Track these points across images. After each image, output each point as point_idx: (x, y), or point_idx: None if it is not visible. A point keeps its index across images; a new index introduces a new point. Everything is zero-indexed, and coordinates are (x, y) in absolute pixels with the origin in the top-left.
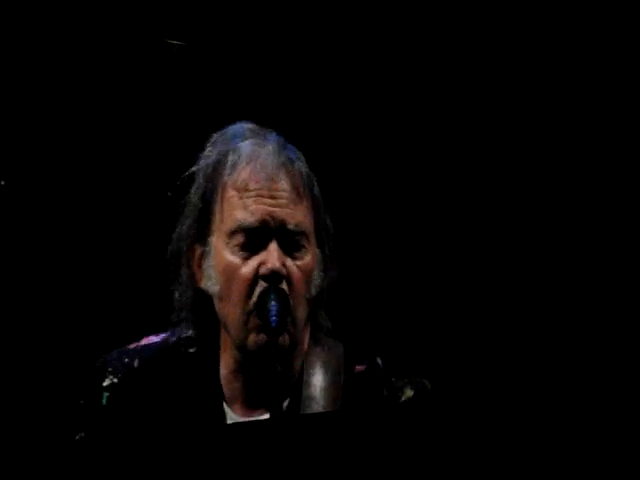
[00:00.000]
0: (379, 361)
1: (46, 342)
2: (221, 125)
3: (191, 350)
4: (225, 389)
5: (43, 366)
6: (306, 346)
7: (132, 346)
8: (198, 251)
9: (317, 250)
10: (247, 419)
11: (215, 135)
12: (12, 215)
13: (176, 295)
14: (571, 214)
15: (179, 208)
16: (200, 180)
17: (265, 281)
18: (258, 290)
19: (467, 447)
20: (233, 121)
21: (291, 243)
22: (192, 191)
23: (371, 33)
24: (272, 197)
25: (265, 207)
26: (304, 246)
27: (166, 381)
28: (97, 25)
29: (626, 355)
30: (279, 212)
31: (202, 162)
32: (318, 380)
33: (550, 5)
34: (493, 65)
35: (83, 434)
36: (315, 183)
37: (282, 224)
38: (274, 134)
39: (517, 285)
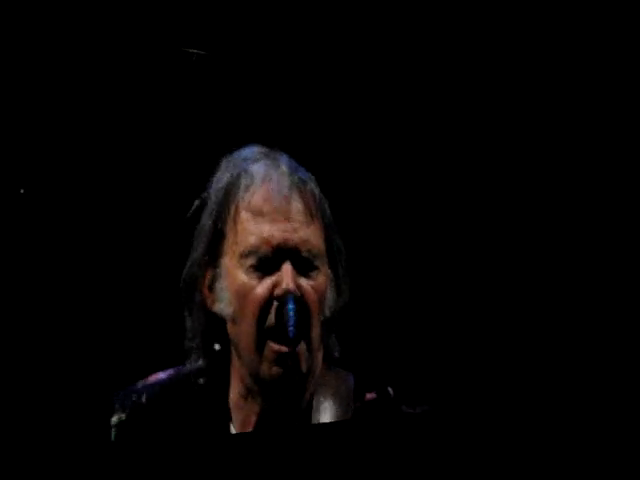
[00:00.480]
0: (390, 390)
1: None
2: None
3: (200, 381)
4: (234, 415)
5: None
6: (318, 372)
7: (139, 384)
8: (209, 275)
9: (329, 271)
10: None
11: (225, 158)
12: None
13: (188, 322)
14: (571, 215)
15: (192, 234)
16: (212, 204)
17: (279, 302)
18: (273, 312)
19: (472, 463)
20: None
21: (305, 264)
22: (204, 215)
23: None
24: (286, 220)
25: (280, 233)
26: (317, 267)
27: (174, 413)
28: (115, 34)
29: (626, 355)
30: (293, 238)
31: (214, 185)
32: (328, 409)
33: (550, 5)
34: (492, 65)
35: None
36: (326, 204)
37: (296, 249)
38: (285, 156)
39: (528, 313)
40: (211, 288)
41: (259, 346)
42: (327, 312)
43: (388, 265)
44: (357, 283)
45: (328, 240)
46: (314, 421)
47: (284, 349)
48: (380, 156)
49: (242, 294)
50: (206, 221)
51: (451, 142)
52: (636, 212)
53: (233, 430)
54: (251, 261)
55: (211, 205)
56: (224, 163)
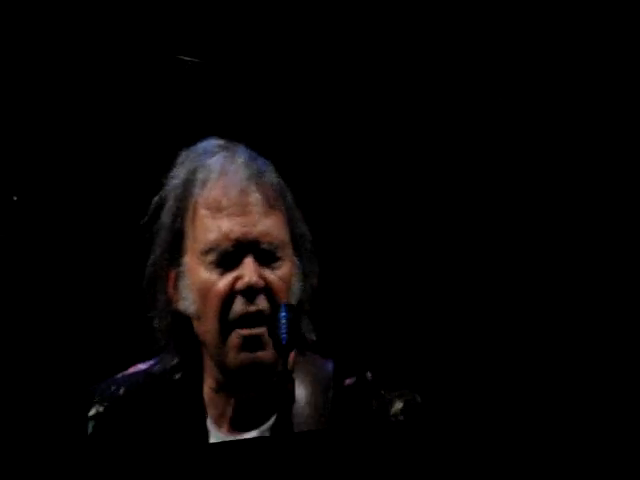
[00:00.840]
0: (369, 374)
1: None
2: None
3: (176, 376)
4: (209, 409)
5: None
6: (291, 360)
7: (119, 375)
8: (173, 273)
9: (295, 259)
10: (233, 437)
11: (183, 153)
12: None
13: (155, 321)
14: (570, 215)
15: (152, 234)
16: (170, 201)
17: (242, 295)
18: (236, 306)
19: (457, 460)
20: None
21: (267, 256)
22: (163, 214)
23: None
24: (244, 214)
25: (239, 227)
26: (280, 257)
27: (151, 408)
28: (111, 42)
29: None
30: (252, 231)
31: (171, 182)
32: (306, 396)
33: (550, 5)
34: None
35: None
36: (288, 192)
37: (256, 242)
38: (243, 147)
39: (509, 294)
40: (176, 287)
41: (224, 338)
42: (294, 299)
43: (365, 250)
44: (336, 268)
45: (291, 228)
46: (293, 411)
47: (247, 332)
48: (351, 142)
49: (204, 291)
50: (165, 219)
51: (433, 121)
52: (636, 212)
53: (210, 424)
54: (212, 257)
55: (169, 203)
56: (181, 157)
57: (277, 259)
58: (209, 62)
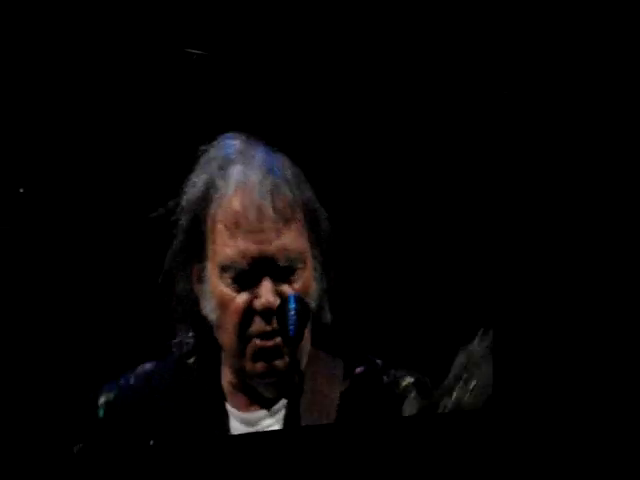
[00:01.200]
0: (379, 362)
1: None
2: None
3: (190, 360)
4: (228, 395)
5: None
6: (307, 350)
7: (127, 373)
8: (196, 269)
9: (313, 261)
10: (250, 414)
11: (202, 154)
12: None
13: (173, 308)
14: (572, 215)
15: (170, 231)
16: (190, 204)
17: (259, 315)
18: (255, 324)
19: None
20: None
21: (284, 272)
22: (182, 215)
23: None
24: (260, 231)
25: (255, 246)
26: (298, 268)
27: (165, 390)
28: (116, 35)
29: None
30: (269, 249)
31: (191, 188)
32: (318, 385)
33: (550, 5)
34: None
35: (81, 445)
36: (307, 190)
37: (272, 259)
38: (261, 150)
39: (512, 288)
40: (199, 283)
41: (242, 349)
42: (313, 304)
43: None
44: (346, 266)
45: (311, 232)
46: (305, 402)
47: (264, 344)
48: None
49: (223, 305)
50: (184, 222)
51: (436, 123)
52: (636, 212)
53: (229, 408)
54: (230, 274)
55: (189, 204)
56: (202, 161)
57: (294, 271)
58: (216, 55)
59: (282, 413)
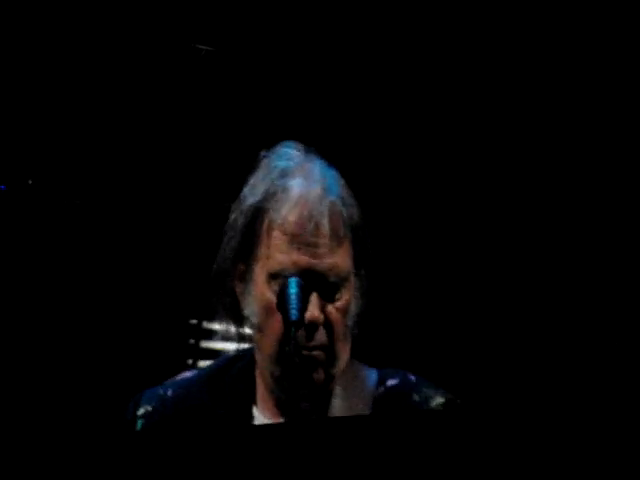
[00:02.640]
0: (412, 377)
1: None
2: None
3: (231, 369)
4: (258, 399)
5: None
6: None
7: (167, 381)
8: (240, 267)
9: (355, 281)
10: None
11: (263, 162)
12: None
13: (219, 310)
14: (574, 214)
15: (224, 229)
16: (249, 208)
17: (304, 328)
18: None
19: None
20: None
21: (331, 290)
22: (239, 215)
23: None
24: (315, 246)
25: (307, 259)
26: (343, 287)
27: (199, 404)
28: (124, 31)
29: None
30: (320, 264)
31: (250, 191)
32: (348, 397)
33: (550, 5)
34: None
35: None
36: (356, 214)
37: (323, 277)
38: (318, 168)
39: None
40: (243, 284)
41: (281, 359)
42: (351, 322)
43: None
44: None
45: (356, 252)
46: (336, 407)
47: (312, 353)
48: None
49: (267, 313)
50: (239, 223)
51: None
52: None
53: (256, 413)
54: (279, 282)
55: (245, 207)
56: (262, 169)
57: (340, 290)
58: (224, 50)
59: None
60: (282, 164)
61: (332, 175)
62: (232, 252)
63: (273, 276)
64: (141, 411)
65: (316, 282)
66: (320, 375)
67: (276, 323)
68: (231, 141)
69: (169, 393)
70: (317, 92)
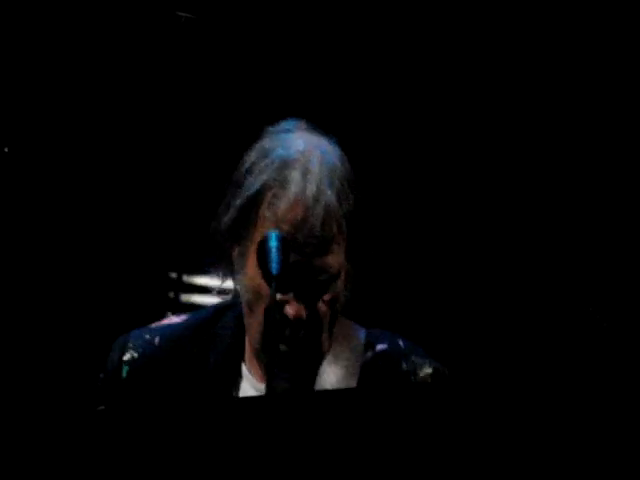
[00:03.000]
0: (400, 342)
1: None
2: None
3: (219, 323)
4: (246, 359)
5: (63, 341)
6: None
7: (153, 325)
8: (237, 240)
9: (346, 269)
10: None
11: (266, 140)
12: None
13: (213, 268)
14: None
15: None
16: (246, 196)
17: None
18: (282, 329)
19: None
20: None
21: (320, 287)
22: (237, 193)
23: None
24: (307, 246)
25: (298, 258)
26: (333, 283)
27: (186, 355)
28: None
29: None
30: (310, 265)
31: (250, 174)
32: (336, 355)
33: (550, 5)
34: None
35: (103, 407)
36: (353, 204)
37: (312, 276)
38: (321, 153)
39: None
40: (241, 253)
41: (264, 346)
42: (339, 307)
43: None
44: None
45: (351, 244)
46: (323, 373)
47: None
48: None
49: (255, 294)
50: (239, 200)
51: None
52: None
53: (245, 371)
54: None
55: (245, 195)
56: (264, 152)
57: (329, 288)
58: (204, 18)
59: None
60: (282, 153)
61: (333, 162)
62: (229, 223)
63: None
64: (127, 357)
65: (305, 280)
66: (307, 356)
67: (262, 306)
68: (215, 108)
69: (156, 341)
70: (303, 56)
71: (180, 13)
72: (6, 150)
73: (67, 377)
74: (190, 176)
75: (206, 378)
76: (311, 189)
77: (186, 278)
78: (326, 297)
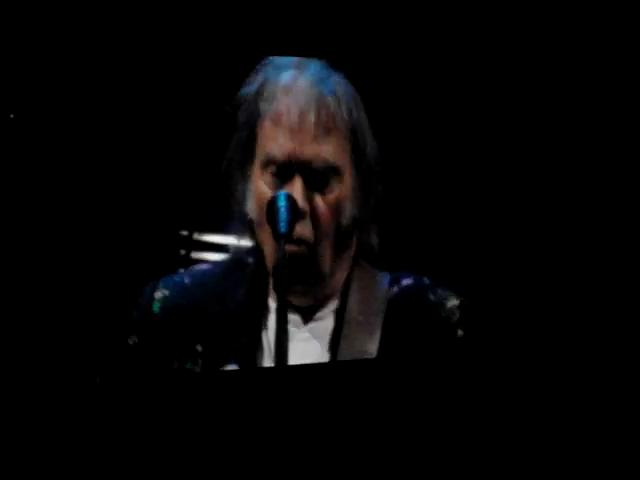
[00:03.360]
0: (425, 278)
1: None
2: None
3: (248, 260)
4: (271, 291)
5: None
6: (348, 259)
7: (182, 270)
8: (243, 168)
9: (352, 179)
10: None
11: (263, 62)
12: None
13: (233, 208)
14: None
15: (229, 128)
16: (244, 103)
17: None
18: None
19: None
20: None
21: (318, 179)
22: (239, 114)
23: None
24: (300, 132)
25: (292, 144)
26: (332, 181)
27: (216, 293)
28: None
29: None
30: (305, 150)
31: (246, 89)
32: (361, 296)
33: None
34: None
35: (136, 339)
36: (356, 111)
37: (308, 162)
38: (316, 65)
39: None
40: (247, 179)
41: (273, 251)
42: (345, 222)
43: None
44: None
45: (354, 147)
46: (351, 312)
47: (291, 248)
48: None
49: (260, 202)
50: (239, 117)
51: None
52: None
53: (271, 303)
54: (270, 170)
55: (243, 104)
56: (259, 67)
57: (328, 183)
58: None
59: (330, 318)
60: (279, 60)
61: (332, 73)
62: (236, 152)
63: (264, 165)
64: (158, 295)
65: (301, 168)
66: (306, 271)
67: (266, 218)
68: (224, 42)
69: (186, 280)
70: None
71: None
72: (12, 116)
73: (84, 333)
74: (201, 140)
75: (235, 313)
76: (304, 81)
77: (196, 236)
78: (327, 197)
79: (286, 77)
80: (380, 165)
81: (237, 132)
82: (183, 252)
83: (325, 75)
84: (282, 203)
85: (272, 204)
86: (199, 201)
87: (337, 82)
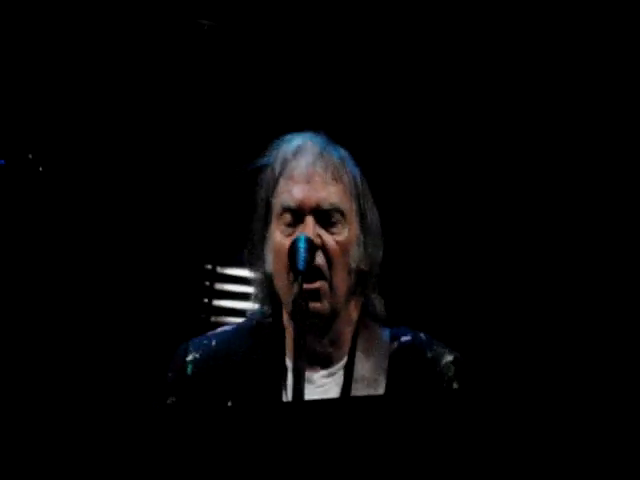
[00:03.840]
0: (421, 334)
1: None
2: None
3: (267, 321)
4: (289, 351)
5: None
6: (355, 316)
7: (209, 333)
8: (265, 228)
9: (356, 228)
10: (308, 372)
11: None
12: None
13: (256, 277)
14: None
15: (253, 201)
16: (266, 180)
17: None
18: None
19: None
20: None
21: (327, 219)
22: (261, 190)
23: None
24: (309, 182)
25: (303, 192)
26: (339, 222)
27: (238, 352)
28: (126, 5)
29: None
30: (314, 195)
31: (265, 160)
32: (365, 350)
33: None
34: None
35: (174, 398)
36: (360, 180)
37: (317, 204)
38: (322, 136)
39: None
40: (265, 236)
41: (291, 289)
42: (353, 264)
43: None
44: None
45: (356, 201)
46: (356, 366)
47: (305, 286)
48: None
49: (277, 251)
50: (261, 194)
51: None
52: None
53: (289, 364)
54: (283, 220)
55: (265, 181)
56: (275, 143)
57: (336, 224)
58: (226, 25)
59: (339, 374)
60: (289, 136)
61: (337, 148)
62: (257, 224)
63: (279, 216)
64: (190, 357)
65: (312, 210)
66: (324, 305)
67: (282, 256)
68: (235, 113)
69: (213, 343)
70: (321, 67)
71: (202, 21)
72: (30, 157)
73: (113, 364)
74: (225, 174)
75: (255, 374)
76: (311, 144)
77: (220, 269)
78: (337, 237)
79: (297, 142)
80: (381, 235)
81: (257, 207)
82: (207, 283)
83: (332, 143)
84: (302, 244)
85: (293, 245)
86: (221, 237)
87: (343, 151)
